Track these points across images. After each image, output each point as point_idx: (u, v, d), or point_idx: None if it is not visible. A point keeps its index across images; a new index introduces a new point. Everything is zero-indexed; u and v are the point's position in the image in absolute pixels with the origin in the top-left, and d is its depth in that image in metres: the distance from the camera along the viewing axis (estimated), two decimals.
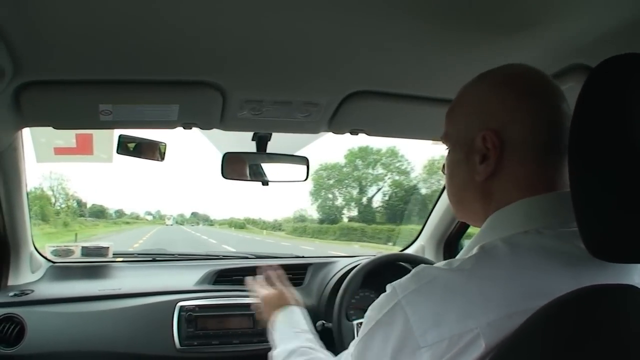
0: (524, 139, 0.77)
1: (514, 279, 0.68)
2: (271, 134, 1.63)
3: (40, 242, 1.97)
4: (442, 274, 0.70)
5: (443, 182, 1.00)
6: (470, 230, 2.28)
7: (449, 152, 0.89)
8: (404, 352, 0.69)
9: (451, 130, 0.87)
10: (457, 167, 0.86)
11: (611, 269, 0.69)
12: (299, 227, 39.68)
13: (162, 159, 1.71)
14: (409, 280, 0.72)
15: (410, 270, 0.75)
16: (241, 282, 1.99)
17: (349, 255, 2.33)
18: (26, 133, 1.57)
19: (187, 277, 2.00)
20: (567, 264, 0.69)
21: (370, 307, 0.76)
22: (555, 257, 0.70)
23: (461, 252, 0.80)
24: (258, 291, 1.43)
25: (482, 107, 0.81)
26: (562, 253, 0.70)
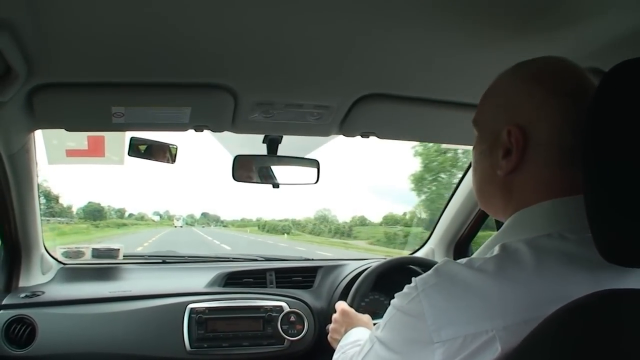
0: (550, 138, 0.75)
1: (535, 284, 0.67)
2: (282, 137, 1.63)
3: None
4: (464, 272, 0.70)
5: None
6: (481, 234, 2.27)
7: (476, 140, 0.87)
8: (418, 344, 0.69)
9: (480, 117, 0.86)
10: (481, 158, 0.85)
11: (633, 275, 0.68)
12: (394, 233, 24.15)
13: (173, 161, 1.72)
14: (430, 275, 0.72)
15: (420, 274, 0.76)
16: (251, 285, 2.00)
17: (359, 258, 2.32)
18: (38, 135, 1.58)
19: (197, 279, 2.00)
20: (589, 271, 0.68)
21: (396, 295, 0.77)
22: (578, 263, 0.68)
23: (481, 250, 0.79)
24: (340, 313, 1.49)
25: (511, 100, 0.80)
26: (585, 259, 0.68)
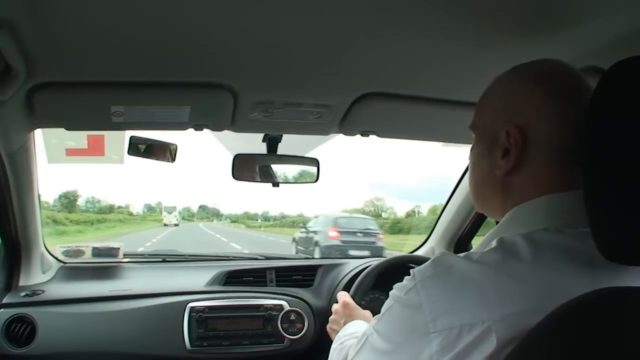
0: (549, 138, 0.75)
1: (532, 277, 0.67)
2: (282, 136, 1.63)
3: None
4: (461, 263, 0.70)
5: None
6: (481, 232, 2.27)
7: (473, 143, 0.88)
8: (415, 335, 0.69)
9: (478, 120, 0.87)
10: (479, 159, 0.85)
11: (631, 271, 0.69)
12: None
13: (173, 160, 1.72)
14: (428, 266, 0.73)
15: None
16: (251, 283, 2.01)
17: (359, 257, 2.32)
18: (38, 134, 1.58)
19: (198, 278, 2.00)
20: (586, 265, 0.68)
21: (394, 286, 0.77)
22: (575, 257, 0.69)
23: (478, 245, 0.79)
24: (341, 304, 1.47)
25: (509, 102, 0.80)
26: (582, 254, 0.69)
